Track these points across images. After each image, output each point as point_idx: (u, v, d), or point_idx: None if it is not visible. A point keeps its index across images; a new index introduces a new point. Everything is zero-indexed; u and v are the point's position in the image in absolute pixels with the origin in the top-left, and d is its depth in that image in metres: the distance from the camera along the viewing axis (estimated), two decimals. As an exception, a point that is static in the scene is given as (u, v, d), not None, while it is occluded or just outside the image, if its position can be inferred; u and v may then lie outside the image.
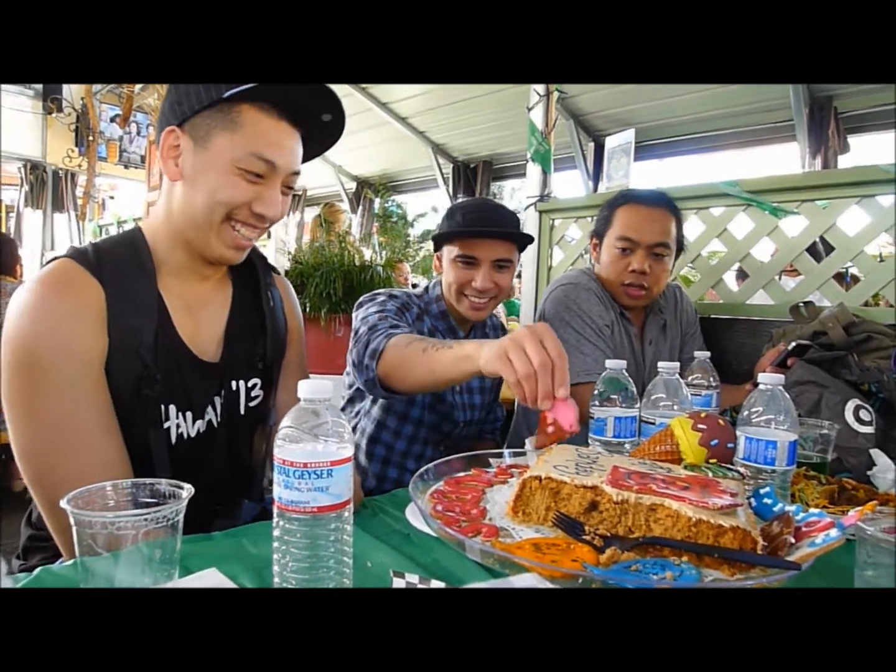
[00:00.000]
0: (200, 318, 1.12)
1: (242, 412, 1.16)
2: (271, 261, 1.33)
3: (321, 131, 1.11)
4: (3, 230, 8.59)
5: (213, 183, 1.00)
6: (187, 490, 0.68)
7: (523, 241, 1.61)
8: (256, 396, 1.18)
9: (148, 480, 0.71)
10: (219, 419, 1.13)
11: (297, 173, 1.08)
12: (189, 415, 1.08)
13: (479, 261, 1.54)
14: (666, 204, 1.77)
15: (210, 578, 0.75)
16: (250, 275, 1.21)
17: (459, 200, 1.64)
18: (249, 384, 1.17)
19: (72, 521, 0.63)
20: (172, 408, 1.05)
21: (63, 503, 0.63)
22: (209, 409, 1.11)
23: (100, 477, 0.74)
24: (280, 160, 1.02)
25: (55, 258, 1.03)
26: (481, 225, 1.54)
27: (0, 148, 5.58)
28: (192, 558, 0.80)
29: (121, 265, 1.03)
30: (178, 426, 1.07)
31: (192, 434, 1.09)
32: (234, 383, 1.14)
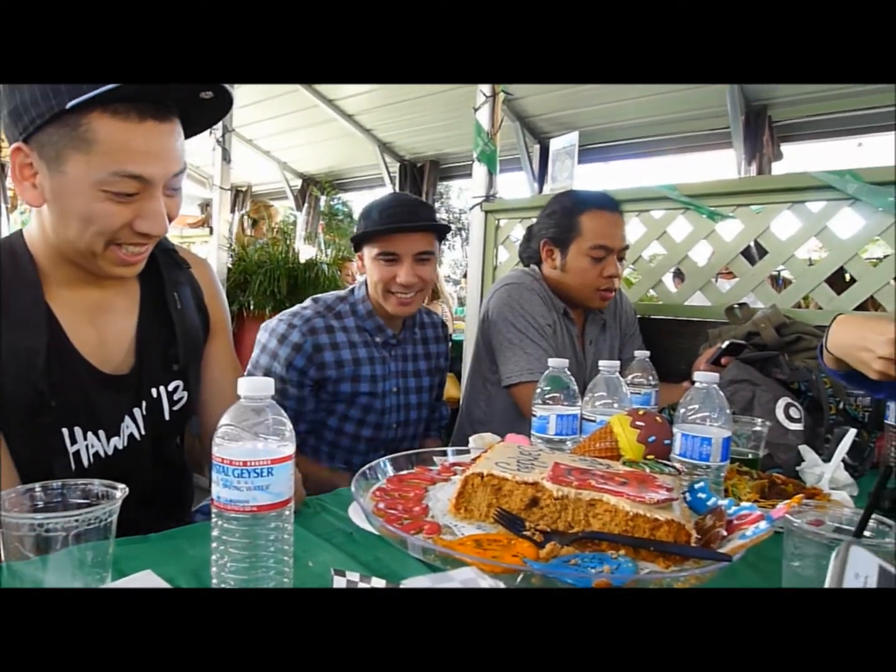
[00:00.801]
0: (103, 326, 1.04)
1: (168, 418, 1.11)
2: (212, 258, 1.28)
3: (205, 111, 0.96)
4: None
5: (79, 210, 0.88)
6: (121, 490, 0.66)
7: (442, 231, 1.64)
8: (180, 399, 1.13)
9: (80, 481, 0.68)
10: (142, 431, 1.07)
11: (180, 173, 0.95)
12: (101, 433, 1.02)
13: (401, 256, 1.55)
14: (620, 208, 1.82)
15: (144, 581, 0.73)
16: (156, 274, 1.11)
17: (373, 200, 1.65)
18: (170, 388, 1.11)
19: (-3, 523, 0.60)
20: (78, 430, 0.99)
21: (-13, 505, 0.60)
22: (127, 423, 1.05)
23: None
24: (152, 170, 0.88)
25: None
26: (399, 221, 1.54)
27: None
28: (127, 561, 0.77)
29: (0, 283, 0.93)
30: (89, 447, 1.00)
31: (110, 452, 1.03)
32: (153, 391, 1.08)
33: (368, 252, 1.59)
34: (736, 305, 1.92)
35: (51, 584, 0.62)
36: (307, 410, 1.57)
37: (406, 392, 1.71)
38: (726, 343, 1.62)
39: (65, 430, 0.97)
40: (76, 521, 0.60)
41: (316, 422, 1.62)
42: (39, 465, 0.92)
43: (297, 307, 1.64)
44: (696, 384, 1.08)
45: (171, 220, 0.97)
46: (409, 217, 1.55)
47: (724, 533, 0.72)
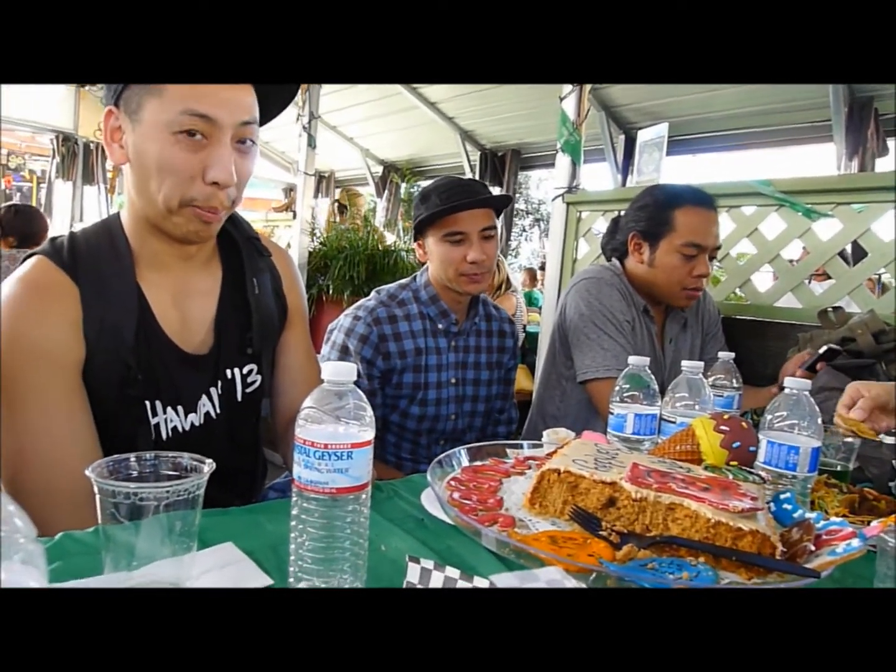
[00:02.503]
0: (187, 308, 1.08)
1: (240, 399, 1.14)
2: (295, 242, 1.32)
3: (277, 90, 1.01)
4: (35, 200, 8.73)
5: (155, 158, 0.92)
6: (209, 465, 0.69)
7: (503, 205, 1.64)
8: (253, 382, 1.16)
9: (171, 454, 0.71)
10: (218, 410, 1.11)
11: (248, 123, 0.96)
12: (180, 409, 1.06)
13: (468, 234, 1.55)
14: (715, 205, 1.75)
15: (226, 552, 0.76)
16: (237, 260, 1.15)
17: (427, 185, 1.65)
18: (245, 371, 1.14)
19: (95, 489, 0.64)
20: (159, 404, 1.03)
21: (88, 472, 0.63)
22: (204, 401, 1.09)
23: (68, 488, 0.72)
24: (219, 112, 0.91)
25: (32, 254, 1.00)
26: (460, 199, 1.54)
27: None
28: (210, 532, 0.81)
29: (97, 260, 0.99)
30: (168, 421, 1.05)
31: (187, 428, 1.07)
32: (228, 372, 1.12)
33: (433, 236, 1.60)
34: (830, 309, 1.82)
35: (141, 549, 0.65)
36: (377, 405, 1.59)
37: (464, 384, 1.70)
38: (824, 348, 1.54)
39: (147, 403, 1.02)
40: (167, 491, 0.63)
41: (381, 418, 1.64)
42: (123, 434, 0.98)
43: (361, 301, 1.66)
44: (786, 390, 1.03)
45: (243, 179, 0.99)
46: (471, 194, 1.55)
47: (812, 548, 0.69)
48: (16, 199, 8.44)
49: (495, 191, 1.66)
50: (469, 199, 1.54)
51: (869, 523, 0.70)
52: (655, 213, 1.74)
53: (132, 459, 0.70)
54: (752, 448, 0.94)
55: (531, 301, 5.80)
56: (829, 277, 2.07)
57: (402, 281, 1.72)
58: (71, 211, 7.02)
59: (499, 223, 1.65)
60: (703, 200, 1.72)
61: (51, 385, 0.93)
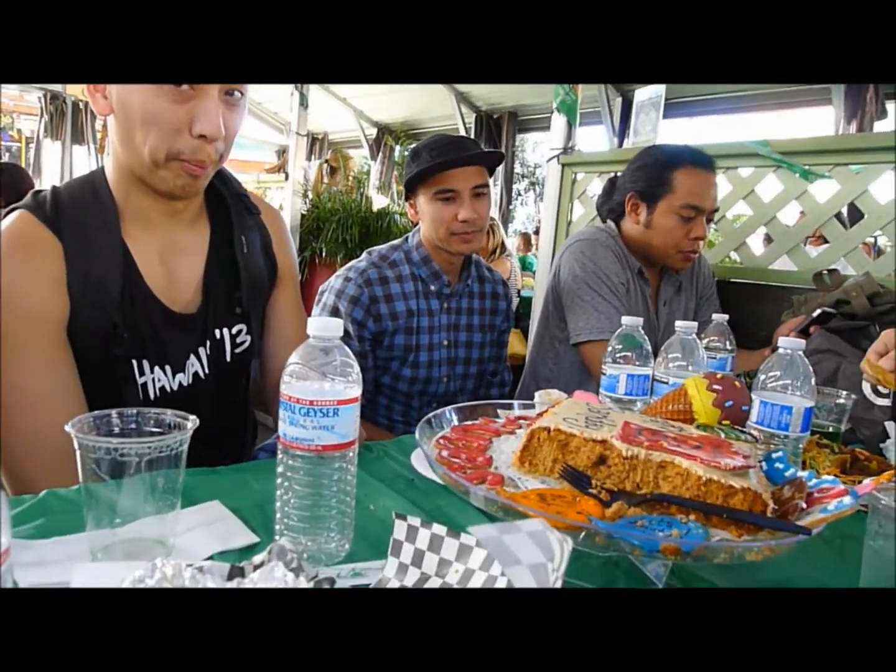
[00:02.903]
0: (174, 266, 1.06)
1: (229, 359, 1.13)
2: (287, 203, 1.29)
3: None
4: (24, 160, 8.57)
5: (140, 109, 0.90)
6: (192, 421, 0.67)
7: (494, 161, 1.60)
8: (242, 342, 1.15)
9: (154, 410, 0.70)
10: (206, 370, 1.10)
11: None
12: (168, 368, 1.04)
13: (459, 192, 1.53)
14: (714, 167, 1.72)
15: (212, 510, 0.76)
16: (226, 217, 1.13)
17: (418, 143, 1.61)
18: (234, 331, 1.13)
19: (76, 445, 0.62)
20: (146, 363, 1.02)
21: (67, 427, 0.62)
22: (192, 361, 1.08)
23: (54, 445, 0.71)
24: None
25: (13, 208, 0.97)
26: (450, 156, 1.51)
27: None
28: (196, 490, 0.80)
29: (81, 214, 0.97)
30: (156, 380, 1.03)
31: (175, 387, 1.06)
32: (217, 332, 1.10)
33: (424, 194, 1.57)
34: (825, 271, 1.80)
35: (124, 507, 0.64)
36: (368, 367, 1.58)
37: (456, 346, 1.69)
38: (817, 312, 1.53)
39: (134, 362, 1.01)
40: (149, 447, 0.62)
41: (372, 380, 1.63)
42: (110, 393, 0.96)
43: (352, 262, 1.64)
44: (780, 350, 1.02)
45: (231, 133, 0.97)
46: (462, 151, 1.52)
47: (804, 505, 0.68)
48: (5, 159, 8.29)
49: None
50: (460, 155, 1.50)
51: (860, 482, 0.69)
52: (654, 173, 1.71)
53: (114, 416, 0.68)
54: (744, 407, 0.94)
55: (525, 266, 5.76)
56: (825, 242, 2.05)
57: (394, 242, 1.70)
58: (60, 171, 6.90)
59: (495, 185, 1.63)
60: (702, 162, 1.69)
61: (34, 342, 0.92)
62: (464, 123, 6.27)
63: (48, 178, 6.88)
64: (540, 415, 0.86)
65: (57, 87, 6.68)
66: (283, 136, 7.29)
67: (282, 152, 7.58)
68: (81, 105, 6.83)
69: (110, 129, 0.98)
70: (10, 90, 8.03)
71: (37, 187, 3.50)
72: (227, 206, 1.13)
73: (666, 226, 1.68)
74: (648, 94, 2.46)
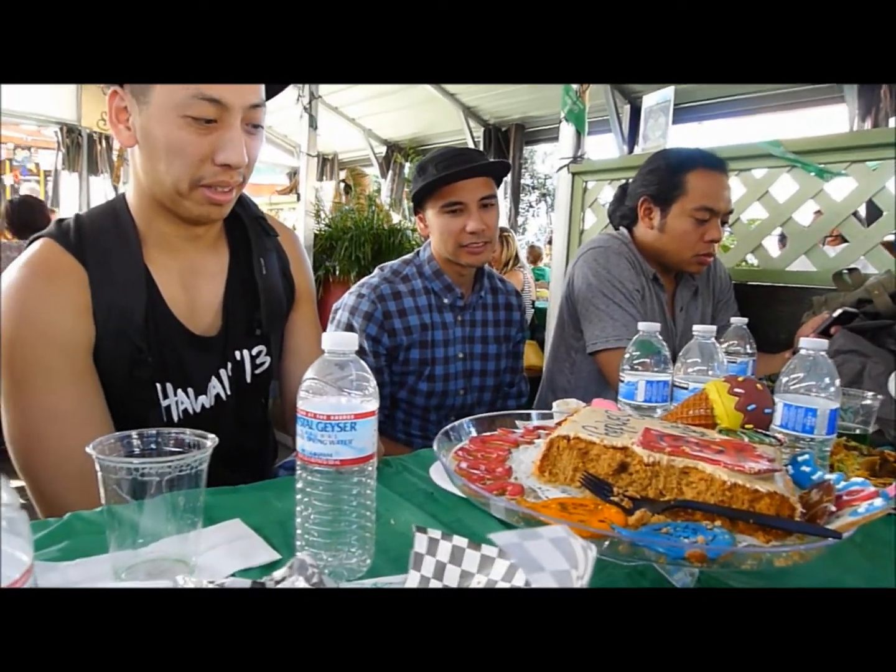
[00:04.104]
0: (195, 290, 1.07)
1: (249, 380, 1.14)
2: (300, 224, 1.30)
3: None
4: (43, 193, 8.74)
5: (164, 140, 0.92)
6: (211, 440, 0.68)
7: (500, 174, 1.60)
8: (262, 363, 1.15)
9: (174, 430, 0.70)
10: (228, 392, 1.10)
11: (256, 106, 0.96)
12: (190, 391, 1.05)
13: (466, 204, 1.53)
14: (727, 169, 1.71)
15: (233, 528, 0.75)
16: (244, 240, 1.14)
17: (424, 157, 1.62)
18: (254, 352, 1.14)
19: (97, 466, 0.63)
20: (169, 386, 1.03)
21: (88, 449, 0.62)
22: (214, 383, 1.09)
23: (81, 468, 0.72)
24: (229, 96, 0.90)
25: (38, 237, 0.98)
26: (456, 168, 1.51)
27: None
28: (217, 509, 0.80)
29: (104, 242, 0.98)
30: (179, 403, 1.04)
31: (197, 410, 1.07)
32: (237, 353, 1.11)
33: (432, 208, 1.57)
34: (845, 271, 1.78)
35: (146, 527, 0.64)
36: (384, 383, 1.58)
37: (471, 358, 1.68)
38: (838, 311, 1.51)
39: (158, 385, 1.01)
40: (169, 466, 0.62)
41: (389, 396, 1.63)
42: (134, 416, 0.97)
43: (365, 278, 1.65)
44: (802, 351, 1.00)
45: (251, 159, 0.98)
46: (466, 162, 1.52)
47: (833, 508, 0.67)
48: (23, 192, 8.44)
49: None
50: (464, 167, 1.51)
51: (889, 485, 0.68)
52: (667, 176, 1.69)
53: (134, 436, 0.69)
54: (767, 410, 0.92)
55: (540, 276, 5.75)
56: (843, 241, 2.02)
57: (406, 256, 1.70)
58: (78, 202, 7.03)
59: (504, 196, 1.63)
60: (715, 164, 1.68)
61: (63, 367, 0.93)
62: (472, 137, 6.31)
63: (66, 209, 7.00)
64: (559, 424, 0.85)
65: (72, 120, 6.82)
66: (294, 158, 7.38)
67: (293, 174, 7.66)
68: (96, 136, 6.96)
69: (133, 159, 1.00)
70: (29, 126, 8.20)
71: (51, 219, 3.58)
72: (246, 228, 1.14)
73: (680, 229, 1.67)
74: (657, 99, 2.45)
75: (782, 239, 2.55)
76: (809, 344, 1.00)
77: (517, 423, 0.98)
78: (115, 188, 7.03)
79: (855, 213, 1.94)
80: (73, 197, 7.15)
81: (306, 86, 4.20)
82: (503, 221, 5.53)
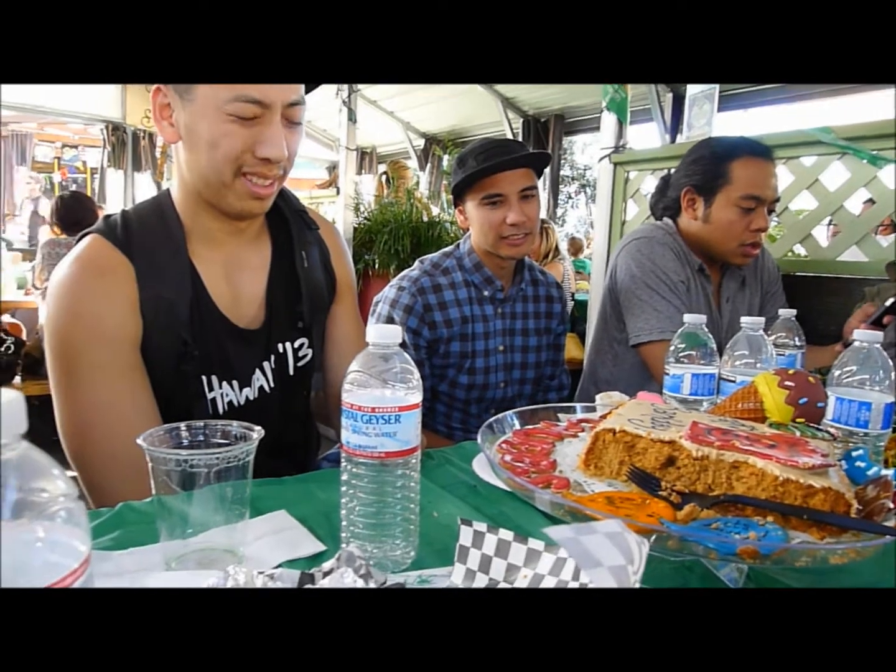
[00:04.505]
0: (238, 283, 1.08)
1: (292, 373, 1.15)
2: (339, 217, 1.31)
3: None
4: (89, 190, 8.98)
5: (207, 136, 0.93)
6: (257, 432, 0.69)
7: (540, 165, 1.58)
8: (304, 356, 1.16)
9: (221, 422, 0.71)
10: (271, 384, 1.12)
11: (296, 104, 0.97)
12: (235, 383, 1.07)
13: (506, 196, 1.51)
14: (773, 156, 1.66)
15: (279, 519, 0.76)
16: (286, 234, 1.16)
17: (463, 149, 1.61)
18: (296, 344, 1.15)
19: (147, 458, 0.64)
20: (215, 378, 1.04)
21: (139, 441, 0.64)
22: (258, 375, 1.10)
23: (132, 459, 0.73)
24: (270, 95, 0.93)
25: (87, 233, 1.01)
26: (496, 160, 1.49)
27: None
28: (263, 500, 0.81)
29: (150, 237, 1.00)
30: (224, 395, 1.06)
31: (242, 402, 1.08)
32: (280, 346, 1.12)
33: (472, 200, 1.56)
34: (899, 260, 1.72)
35: (195, 517, 0.65)
36: (425, 375, 1.58)
37: (512, 350, 1.67)
38: (890, 300, 1.45)
39: (203, 378, 1.03)
40: (217, 458, 0.63)
41: (430, 388, 1.63)
42: (181, 409, 0.98)
43: (405, 271, 1.65)
44: (856, 343, 0.97)
45: (291, 153, 1.00)
46: (506, 154, 1.50)
47: (891, 505, 0.64)
48: (72, 189, 8.70)
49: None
50: (504, 158, 1.50)
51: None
52: (711, 165, 1.65)
53: (183, 428, 0.70)
54: (820, 404, 0.90)
55: (580, 268, 5.69)
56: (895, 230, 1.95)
57: (446, 249, 1.70)
58: (123, 197, 7.20)
59: (543, 187, 1.62)
60: (761, 151, 1.63)
61: (113, 361, 0.95)
62: (511, 128, 6.25)
63: (112, 205, 7.18)
64: (603, 417, 0.84)
65: (117, 118, 6.97)
66: (333, 152, 7.43)
67: (332, 168, 7.72)
68: (140, 134, 7.10)
69: (177, 154, 1.02)
70: (76, 124, 8.43)
71: (97, 214, 3.69)
72: (288, 222, 1.16)
73: (725, 219, 1.63)
74: (701, 86, 2.40)
75: (834, 227, 2.47)
76: (863, 336, 0.97)
77: (560, 416, 0.97)
78: (159, 184, 7.18)
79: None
80: (119, 193, 7.32)
81: (345, 80, 4.22)
82: (542, 213, 5.49)
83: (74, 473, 0.97)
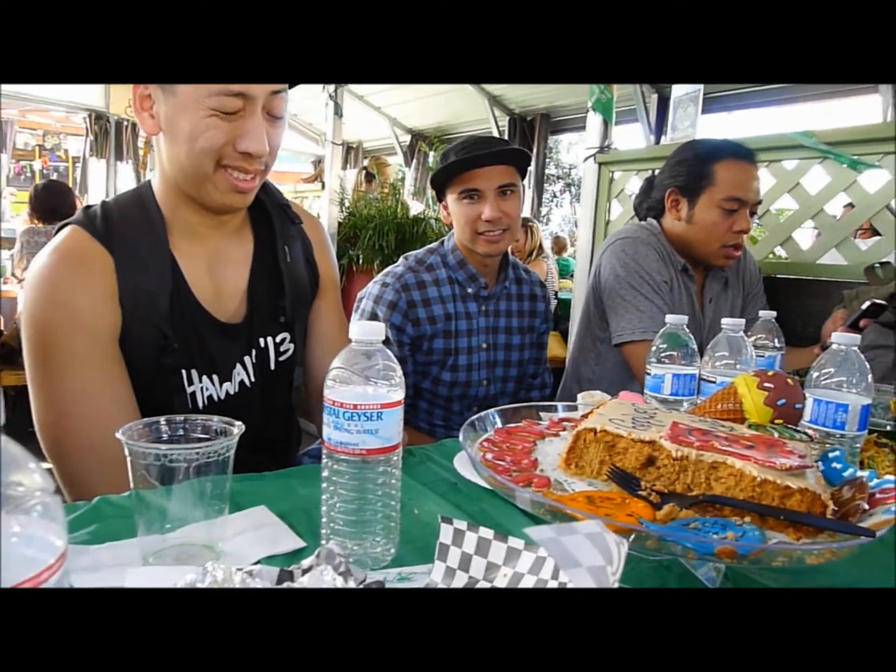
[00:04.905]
0: (220, 277, 1.08)
1: (273, 367, 1.14)
2: (324, 212, 1.31)
3: None
4: (71, 179, 8.86)
5: (188, 129, 0.92)
6: (238, 427, 0.68)
7: (520, 161, 1.57)
8: (286, 350, 1.16)
9: (200, 417, 0.71)
10: (252, 379, 1.11)
11: (277, 93, 0.96)
12: (215, 378, 1.06)
13: (483, 191, 1.52)
14: (755, 159, 1.69)
15: (259, 515, 0.76)
16: (269, 227, 1.15)
17: (448, 146, 1.61)
18: (278, 339, 1.14)
19: (126, 452, 0.63)
20: (195, 372, 1.03)
21: (118, 434, 0.63)
22: (239, 369, 1.09)
23: (110, 452, 0.73)
24: (250, 87, 0.92)
25: (66, 224, 1.00)
26: (475, 152, 1.50)
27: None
28: (243, 496, 0.81)
29: (130, 229, 0.99)
30: (204, 389, 1.05)
31: (222, 396, 1.07)
32: (262, 340, 1.12)
33: (451, 195, 1.57)
34: (877, 264, 1.74)
35: (174, 512, 0.65)
36: (408, 372, 1.58)
37: (495, 348, 1.68)
38: (866, 304, 1.48)
39: (183, 371, 1.02)
40: (197, 453, 0.63)
41: (412, 385, 1.63)
42: (160, 402, 0.98)
43: (389, 267, 1.64)
44: (834, 346, 0.98)
45: (273, 148, 0.99)
46: (486, 148, 1.50)
47: (866, 507, 0.65)
48: (53, 178, 8.58)
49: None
50: (481, 152, 1.50)
51: (925, 481, 0.66)
52: (695, 167, 1.67)
53: (163, 423, 0.69)
54: (798, 405, 0.91)
55: (564, 269, 5.71)
56: (875, 234, 1.98)
57: (431, 246, 1.70)
58: (105, 187, 7.11)
59: (528, 186, 1.62)
60: (744, 154, 1.65)
61: (90, 352, 0.94)
62: (497, 126, 6.25)
63: (94, 194, 7.09)
64: (585, 416, 0.84)
65: (101, 107, 6.88)
66: (319, 146, 7.39)
67: (318, 162, 7.67)
68: (124, 123, 7.02)
69: (158, 147, 1.01)
70: (58, 112, 8.31)
71: (83, 203, 3.66)
72: (270, 216, 1.15)
73: (709, 220, 1.65)
74: (686, 89, 2.41)
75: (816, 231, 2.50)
76: (841, 339, 0.98)
77: (542, 414, 0.97)
78: (142, 174, 7.10)
79: (888, 206, 1.89)
80: (101, 183, 7.23)
81: (332, 74, 4.19)
82: (526, 211, 5.50)
83: (50, 465, 0.96)
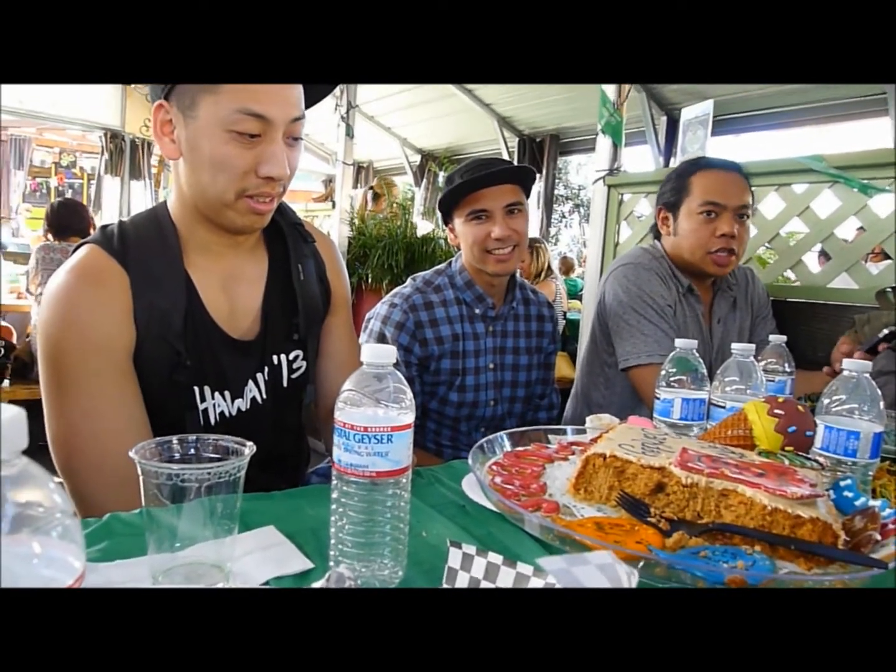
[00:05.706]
0: (234, 294, 1.09)
1: (285, 385, 1.15)
2: (334, 231, 1.32)
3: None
4: (85, 196, 8.97)
5: (209, 154, 0.94)
6: (249, 447, 0.68)
7: (525, 181, 1.59)
8: (298, 368, 1.16)
9: (213, 436, 0.71)
10: (264, 396, 1.12)
11: (298, 119, 0.98)
12: (227, 394, 1.07)
13: (491, 211, 1.53)
14: (740, 170, 1.71)
15: (267, 535, 0.76)
16: (283, 246, 1.16)
17: (454, 169, 1.64)
18: (291, 356, 1.15)
19: (139, 470, 0.64)
20: (207, 389, 1.04)
21: (132, 453, 0.63)
22: (251, 386, 1.10)
23: (121, 470, 0.73)
24: (272, 111, 0.93)
25: (83, 243, 1.01)
26: (480, 174, 1.51)
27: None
28: (252, 515, 0.81)
29: (146, 248, 1.00)
30: (216, 406, 1.05)
31: (234, 413, 1.08)
32: (275, 358, 1.12)
33: (459, 217, 1.58)
34: (889, 289, 1.73)
35: (184, 531, 0.65)
36: (416, 392, 1.58)
37: (502, 369, 1.68)
38: (885, 331, 1.47)
39: (196, 388, 1.03)
40: (208, 473, 0.63)
41: (420, 406, 1.63)
42: (172, 419, 0.98)
43: (397, 288, 1.66)
44: (845, 372, 0.98)
45: (292, 170, 1.00)
46: (490, 169, 1.52)
47: (878, 537, 0.65)
48: (67, 196, 8.70)
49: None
50: (485, 172, 1.51)
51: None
52: (676, 182, 1.73)
53: (175, 442, 0.70)
54: (808, 433, 0.90)
55: (572, 289, 5.71)
56: (887, 258, 1.98)
57: (438, 267, 1.71)
58: (119, 205, 7.19)
59: (536, 206, 1.64)
60: (722, 164, 1.70)
61: (104, 370, 0.95)
62: (506, 147, 6.30)
63: (108, 212, 7.17)
64: (594, 440, 0.84)
65: (116, 126, 6.98)
66: (330, 166, 7.46)
67: (328, 181, 7.74)
68: (138, 142, 7.12)
69: (177, 170, 1.02)
70: (74, 130, 8.44)
71: (97, 220, 3.71)
72: (284, 235, 1.16)
73: (689, 228, 1.69)
74: (696, 112, 2.43)
75: (825, 255, 2.50)
76: (853, 365, 0.97)
77: (551, 437, 0.97)
78: (155, 192, 7.18)
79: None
80: (115, 200, 7.31)
81: (344, 95, 4.25)
82: (535, 232, 5.52)
83: (61, 480, 0.97)
